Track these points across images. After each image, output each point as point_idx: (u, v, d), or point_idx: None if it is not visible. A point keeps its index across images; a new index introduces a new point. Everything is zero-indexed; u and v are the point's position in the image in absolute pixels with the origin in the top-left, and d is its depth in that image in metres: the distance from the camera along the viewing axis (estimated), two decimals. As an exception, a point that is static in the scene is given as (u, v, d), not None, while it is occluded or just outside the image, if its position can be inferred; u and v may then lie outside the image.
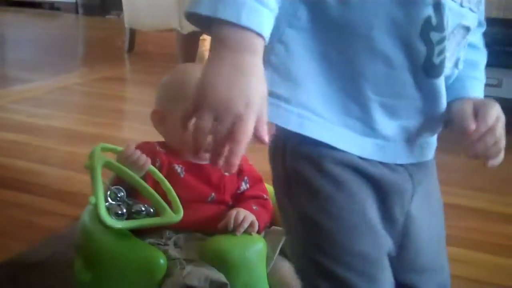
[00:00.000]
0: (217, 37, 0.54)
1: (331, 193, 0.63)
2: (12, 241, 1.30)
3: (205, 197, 1.01)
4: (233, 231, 0.94)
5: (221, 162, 0.54)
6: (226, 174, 1.04)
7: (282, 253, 0.99)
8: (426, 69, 0.63)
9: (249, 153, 0.60)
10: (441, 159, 0.80)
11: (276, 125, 0.63)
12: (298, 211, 0.66)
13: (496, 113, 0.66)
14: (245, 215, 0.95)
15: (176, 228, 0.97)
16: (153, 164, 1.00)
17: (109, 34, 4.66)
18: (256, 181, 1.08)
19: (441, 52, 0.62)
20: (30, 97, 2.62)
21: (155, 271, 0.87)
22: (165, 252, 0.91)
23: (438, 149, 0.75)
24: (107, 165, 0.95)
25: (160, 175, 0.98)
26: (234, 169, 0.53)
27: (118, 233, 0.93)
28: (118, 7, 4.13)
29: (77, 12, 6.10)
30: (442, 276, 0.75)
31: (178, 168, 1.02)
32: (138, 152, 0.98)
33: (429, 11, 0.60)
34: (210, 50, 0.55)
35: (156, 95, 1.07)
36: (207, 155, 0.97)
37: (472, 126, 0.64)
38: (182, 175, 1.01)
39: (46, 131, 2.13)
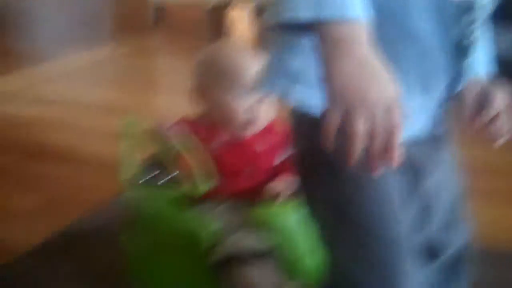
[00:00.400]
0: (326, 37, 0.52)
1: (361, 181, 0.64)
2: (57, 215, 1.37)
3: (242, 170, 1.06)
4: (274, 200, 1.00)
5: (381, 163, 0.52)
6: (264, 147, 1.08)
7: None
8: (458, 50, 0.66)
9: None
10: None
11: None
12: (326, 195, 0.67)
13: (500, 100, 0.69)
14: (282, 187, 1.01)
15: (217, 199, 1.03)
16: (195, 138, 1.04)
17: (137, 7, 4.66)
18: (287, 155, 1.12)
19: (471, 33, 0.65)
20: (62, 73, 2.69)
21: (197, 243, 0.93)
22: (209, 223, 0.97)
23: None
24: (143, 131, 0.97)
25: (188, 147, 1.00)
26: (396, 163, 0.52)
27: (163, 204, 0.98)
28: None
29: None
30: (464, 232, 0.80)
31: (216, 143, 1.06)
32: (176, 127, 1.01)
33: None
34: (320, 53, 0.54)
35: (194, 73, 1.11)
36: (247, 128, 1.05)
37: (471, 117, 0.69)
38: (220, 150, 1.06)
39: (82, 106, 2.20)
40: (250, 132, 1.06)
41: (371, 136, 0.51)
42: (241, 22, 4.13)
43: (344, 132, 0.52)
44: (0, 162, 1.66)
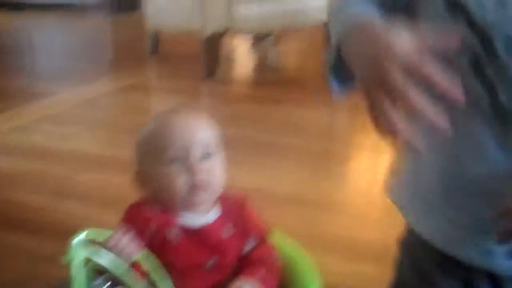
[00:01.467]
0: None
1: None
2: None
3: (204, 263, 0.91)
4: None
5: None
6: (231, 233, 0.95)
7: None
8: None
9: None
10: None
11: None
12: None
13: None
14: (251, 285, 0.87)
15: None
16: (145, 233, 0.91)
17: (134, 36, 4.59)
18: (262, 238, 0.98)
19: None
20: (51, 114, 2.58)
21: None
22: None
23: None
24: (88, 261, 0.86)
25: (150, 262, 0.89)
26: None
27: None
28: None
29: (103, 10, 6.06)
30: None
31: (173, 232, 0.92)
32: (125, 239, 0.87)
33: None
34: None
35: (136, 152, 0.97)
36: (201, 207, 0.93)
37: None
38: (177, 240, 0.92)
39: (66, 155, 2.07)
40: (205, 198, 0.92)
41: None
42: (239, 51, 4.04)
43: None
44: None
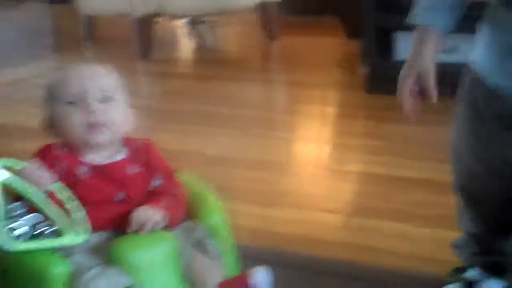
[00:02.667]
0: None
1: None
2: None
3: (111, 196, 0.96)
4: (139, 230, 0.90)
5: None
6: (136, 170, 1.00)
7: (199, 247, 0.96)
8: None
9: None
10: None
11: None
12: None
13: None
14: (147, 215, 0.91)
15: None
16: (55, 169, 0.95)
17: (70, 24, 4.55)
18: (168, 175, 1.03)
19: None
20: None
21: (50, 281, 0.83)
22: (69, 258, 0.87)
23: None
24: (4, 186, 0.88)
25: (64, 193, 0.93)
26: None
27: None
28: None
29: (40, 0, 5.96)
30: None
31: (81, 169, 0.97)
32: (39, 169, 0.92)
33: None
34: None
35: (43, 102, 1.02)
36: (104, 147, 0.97)
37: None
38: (84, 176, 0.96)
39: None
40: (102, 138, 0.97)
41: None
42: (175, 33, 4.06)
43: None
44: None
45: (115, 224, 0.95)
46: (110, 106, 0.98)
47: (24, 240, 0.87)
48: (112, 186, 0.97)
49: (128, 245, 0.89)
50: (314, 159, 1.81)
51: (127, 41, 3.31)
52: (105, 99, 0.97)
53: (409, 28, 0.95)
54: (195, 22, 3.83)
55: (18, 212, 0.89)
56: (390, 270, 1.15)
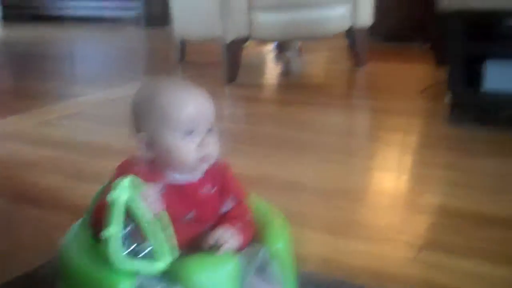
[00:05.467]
0: None
1: None
2: (32, 255, 1.33)
3: (181, 215, 0.99)
4: (212, 250, 0.93)
5: None
6: (211, 191, 1.02)
7: (260, 271, 0.96)
8: None
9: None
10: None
11: None
12: None
13: None
14: (226, 236, 0.95)
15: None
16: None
17: (164, 46, 4.75)
18: (240, 199, 1.05)
19: None
20: (75, 111, 2.71)
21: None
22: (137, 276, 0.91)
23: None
24: (129, 202, 0.90)
25: (163, 221, 0.94)
26: None
27: (92, 256, 0.93)
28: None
29: (138, 24, 6.28)
30: None
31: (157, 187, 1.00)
32: (155, 194, 0.93)
33: None
34: None
35: (135, 113, 1.03)
36: (201, 167, 0.99)
37: None
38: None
39: (83, 145, 2.19)
40: (207, 167, 1.00)
41: None
42: (262, 59, 4.13)
43: None
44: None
45: (181, 244, 0.97)
46: (214, 137, 1.00)
47: (130, 259, 0.89)
48: (183, 205, 1.00)
49: (193, 265, 0.90)
50: (391, 189, 1.77)
51: (214, 65, 3.42)
52: (211, 129, 1.00)
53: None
54: (282, 47, 3.89)
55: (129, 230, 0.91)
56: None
